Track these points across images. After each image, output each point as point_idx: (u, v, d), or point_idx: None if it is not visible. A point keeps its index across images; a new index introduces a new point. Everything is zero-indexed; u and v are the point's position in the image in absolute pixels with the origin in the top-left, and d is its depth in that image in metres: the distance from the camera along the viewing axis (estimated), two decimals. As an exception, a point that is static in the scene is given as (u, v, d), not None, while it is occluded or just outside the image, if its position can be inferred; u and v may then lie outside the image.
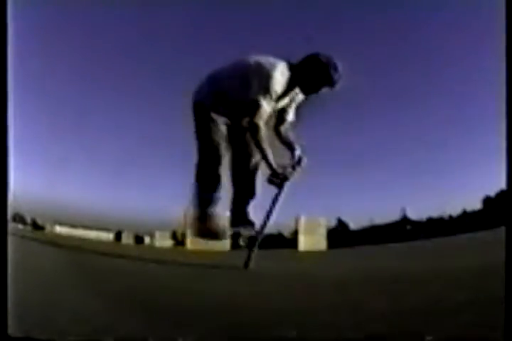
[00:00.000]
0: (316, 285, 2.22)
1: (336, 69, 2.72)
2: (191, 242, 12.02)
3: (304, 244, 11.84)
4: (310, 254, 7.47)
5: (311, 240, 12.19)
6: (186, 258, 6.12)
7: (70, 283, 2.37)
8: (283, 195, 2.97)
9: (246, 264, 2.98)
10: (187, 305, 1.59)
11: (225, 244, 13.85)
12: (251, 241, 2.92)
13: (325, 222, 16.04)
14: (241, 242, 3.30)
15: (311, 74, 2.74)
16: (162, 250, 11.21)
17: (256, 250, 2.99)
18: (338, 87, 2.79)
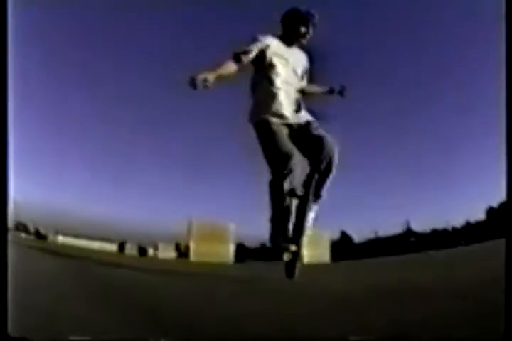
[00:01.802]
0: (319, 297, 2.23)
1: (306, 10, 3.08)
2: (194, 254, 12.07)
3: (307, 256, 11.83)
4: (313, 267, 7.42)
5: (314, 253, 12.17)
6: (190, 270, 6.12)
7: (73, 291, 2.38)
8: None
9: (291, 275, 3.06)
10: (190, 318, 1.60)
11: (229, 257, 13.89)
12: (294, 255, 3.01)
13: (329, 235, 16.06)
14: (285, 257, 3.38)
15: (290, 22, 3.10)
16: (165, 262, 11.14)
17: (299, 263, 3.08)
18: (314, 26, 3.09)
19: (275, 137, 2.90)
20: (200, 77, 2.58)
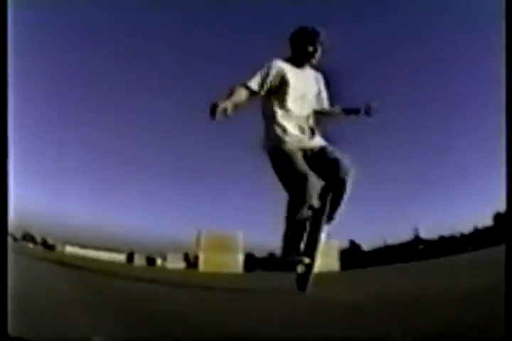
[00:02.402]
0: (329, 307, 2.25)
1: (312, 29, 3.06)
2: (204, 264, 12.04)
3: (316, 265, 11.72)
4: (322, 276, 7.32)
5: (323, 262, 12.08)
6: (199, 280, 6.12)
7: (79, 300, 2.40)
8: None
9: (303, 288, 3.04)
10: (198, 328, 1.61)
11: (238, 267, 13.84)
12: (308, 268, 2.99)
13: (337, 244, 15.90)
14: (299, 269, 3.36)
15: (296, 41, 3.09)
16: (174, 272, 11.12)
17: (312, 275, 3.06)
18: (322, 44, 3.05)
19: (290, 161, 2.91)
20: (221, 106, 2.56)
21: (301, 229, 2.92)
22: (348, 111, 3.31)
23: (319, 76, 3.28)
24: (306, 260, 2.90)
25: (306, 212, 2.88)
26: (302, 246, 2.95)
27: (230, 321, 1.78)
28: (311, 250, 3.01)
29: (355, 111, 3.27)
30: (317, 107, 3.24)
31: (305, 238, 2.99)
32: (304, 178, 2.82)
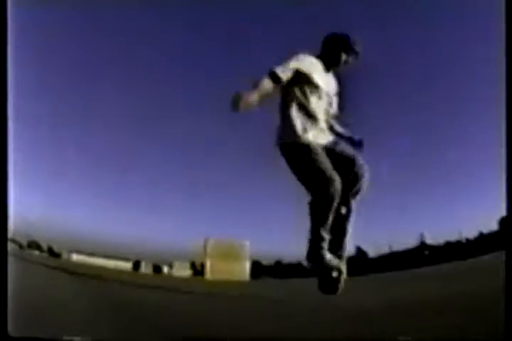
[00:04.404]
0: (336, 312, 2.27)
1: (354, 40, 2.95)
2: (210, 272, 12.00)
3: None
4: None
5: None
6: (205, 288, 6.12)
7: (87, 307, 2.41)
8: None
9: (335, 291, 2.92)
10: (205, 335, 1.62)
11: (245, 274, 13.74)
12: (340, 272, 2.88)
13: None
14: (334, 274, 3.18)
15: (333, 48, 2.97)
16: (181, 280, 11.09)
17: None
18: (357, 54, 2.96)
19: (311, 158, 2.75)
20: (244, 98, 2.48)
21: (338, 232, 2.70)
22: (344, 136, 3.16)
23: (336, 81, 3.16)
24: (342, 266, 2.70)
25: (333, 212, 2.67)
26: (338, 247, 2.71)
27: (238, 328, 1.80)
28: (342, 253, 2.80)
29: (349, 140, 3.13)
30: (331, 110, 3.12)
31: (334, 240, 2.71)
32: (328, 178, 2.67)
